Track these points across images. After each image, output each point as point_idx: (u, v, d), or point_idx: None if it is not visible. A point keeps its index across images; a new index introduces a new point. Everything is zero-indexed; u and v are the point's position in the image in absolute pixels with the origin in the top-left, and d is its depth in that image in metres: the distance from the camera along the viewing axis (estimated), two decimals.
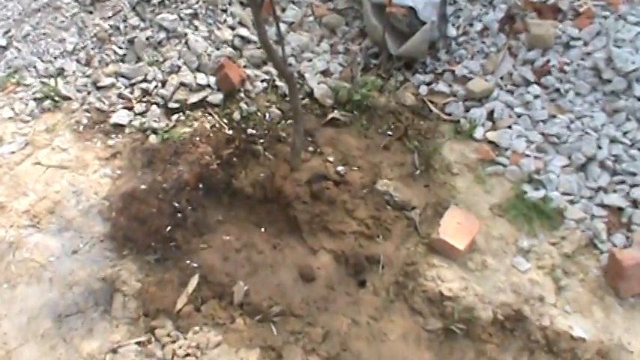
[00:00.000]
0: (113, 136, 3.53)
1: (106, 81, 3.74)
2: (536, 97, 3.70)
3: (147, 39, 3.81)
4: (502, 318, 2.87)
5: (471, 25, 4.09)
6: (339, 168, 3.41)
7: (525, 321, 2.86)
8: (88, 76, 3.79)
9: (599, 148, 3.41)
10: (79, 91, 3.74)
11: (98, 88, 3.74)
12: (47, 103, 3.67)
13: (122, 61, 3.82)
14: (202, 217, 3.23)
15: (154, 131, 3.54)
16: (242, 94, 3.76)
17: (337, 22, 4.16)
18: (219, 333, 2.79)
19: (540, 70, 3.77)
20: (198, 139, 3.40)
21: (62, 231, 3.12)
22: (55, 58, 3.85)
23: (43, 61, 3.85)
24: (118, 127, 3.57)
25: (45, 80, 3.74)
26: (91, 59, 3.82)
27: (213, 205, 3.28)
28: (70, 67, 3.81)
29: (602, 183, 3.34)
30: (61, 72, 3.82)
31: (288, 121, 3.66)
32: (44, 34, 3.89)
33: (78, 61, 3.84)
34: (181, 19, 3.84)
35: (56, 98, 3.69)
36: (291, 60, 3.94)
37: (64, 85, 3.75)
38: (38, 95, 3.70)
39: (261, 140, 3.47)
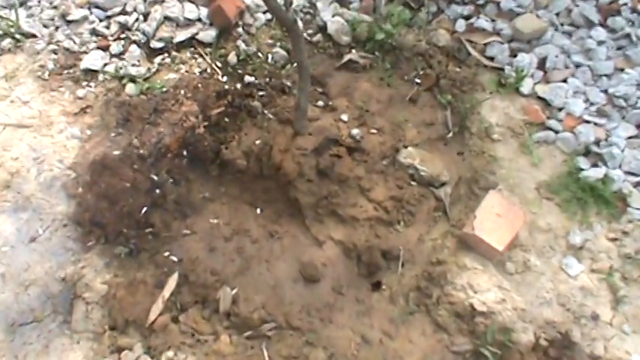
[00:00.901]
0: (84, 84, 2.98)
1: (76, 13, 3.15)
2: (601, 43, 3.05)
3: None
4: (546, 343, 2.39)
5: None
6: (354, 131, 2.84)
7: (574, 348, 2.38)
8: (55, 7, 3.19)
9: None
10: (45, 26, 3.15)
11: (68, 22, 3.15)
12: (6, 42, 3.09)
13: None
14: (186, 193, 2.73)
15: (132, 79, 2.97)
16: (240, 30, 3.16)
17: None
18: (199, 356, 2.35)
19: (608, 7, 3.11)
20: (183, 91, 2.84)
21: (18, 211, 2.64)
22: None
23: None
24: (90, 74, 3.01)
25: (3, 14, 3.16)
26: None
27: (198, 179, 2.78)
28: None
29: None
30: (23, 2, 3.22)
31: (295, 64, 3.08)
32: None
33: None
34: None
35: (17, 36, 3.11)
36: None
37: (26, 18, 3.17)
38: None
39: (261, 93, 2.91)
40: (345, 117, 2.93)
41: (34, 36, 3.12)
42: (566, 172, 2.81)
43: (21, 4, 3.20)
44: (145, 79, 2.99)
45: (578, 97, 2.97)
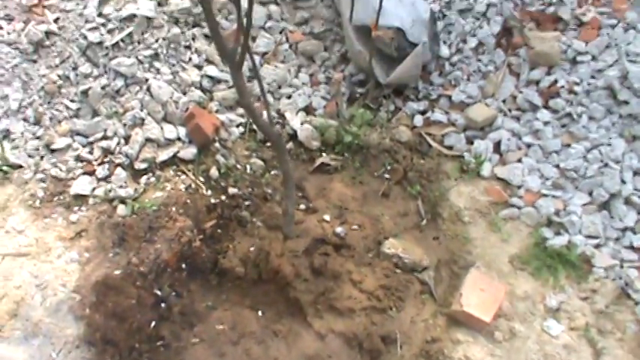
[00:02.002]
0: (75, 209, 3.24)
1: (60, 142, 3.43)
2: (546, 123, 3.51)
3: (102, 88, 3.49)
4: None
5: (465, 41, 3.87)
6: (338, 229, 3.18)
7: None
8: (38, 138, 3.47)
9: (623, 182, 3.24)
10: (30, 156, 3.42)
11: (52, 151, 3.43)
12: None
13: (76, 116, 3.50)
14: (190, 304, 2.98)
15: (122, 201, 3.25)
16: (217, 145, 3.49)
17: (315, 49, 3.90)
18: None
19: (547, 91, 3.58)
20: (174, 208, 3.13)
21: (29, 338, 2.84)
22: None
23: None
24: (80, 198, 3.27)
25: None
26: (40, 117, 3.50)
27: (200, 289, 3.04)
28: (17, 129, 3.48)
29: (629, 222, 3.19)
30: (6, 135, 3.48)
31: (272, 172, 3.43)
32: None
33: (25, 120, 3.51)
34: (140, 62, 3.53)
35: (4, 168, 3.36)
36: (268, 98, 3.67)
37: (11, 150, 3.43)
38: None
39: (246, 202, 3.23)
40: (327, 217, 3.27)
41: (20, 167, 3.39)
42: (533, 243, 3.19)
43: (4, 137, 3.46)
44: (135, 200, 3.27)
45: (534, 174, 3.39)
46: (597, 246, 3.16)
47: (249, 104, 2.67)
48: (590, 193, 3.28)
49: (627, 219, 3.18)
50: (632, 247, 3.13)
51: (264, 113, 2.82)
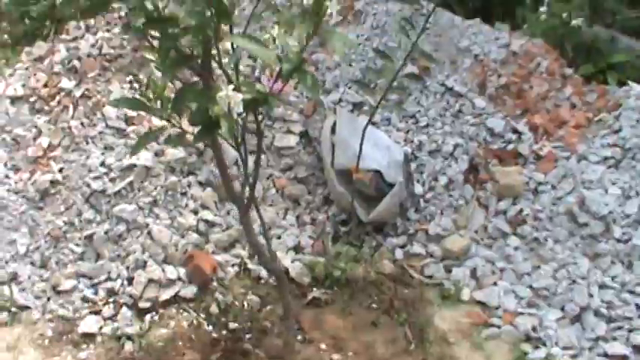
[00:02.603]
0: (84, 347, 3.48)
1: (66, 284, 3.72)
2: (516, 248, 3.91)
3: (105, 233, 3.84)
4: None
5: (436, 179, 4.34)
6: (335, 356, 3.45)
7: None
8: (45, 280, 3.76)
9: (591, 296, 3.60)
10: (37, 297, 3.69)
11: (59, 293, 3.71)
12: (3, 315, 3.60)
13: (81, 259, 3.82)
14: None
15: (129, 337, 3.50)
16: (215, 283, 3.80)
17: (300, 192, 4.33)
18: None
19: (515, 219, 4.01)
20: (180, 343, 3.40)
21: None
22: (7, 262, 3.81)
23: None
24: (88, 337, 3.52)
25: (1, 290, 3.68)
26: (46, 261, 3.81)
27: None
28: (25, 272, 3.78)
29: (600, 332, 3.51)
30: (14, 278, 3.77)
31: (268, 307, 3.72)
32: None
33: (32, 263, 3.82)
34: (140, 208, 3.90)
35: (13, 309, 3.62)
36: (260, 239, 4.03)
37: (19, 293, 3.70)
38: None
39: (248, 335, 3.50)
40: (323, 346, 3.54)
41: (28, 308, 3.64)
42: (515, 358, 3.47)
43: (12, 280, 3.74)
44: (141, 337, 3.52)
45: (509, 295, 3.75)
46: (574, 356, 3.45)
47: (256, 242, 3.06)
48: (562, 309, 3.62)
49: (598, 329, 3.51)
50: (605, 355, 3.43)
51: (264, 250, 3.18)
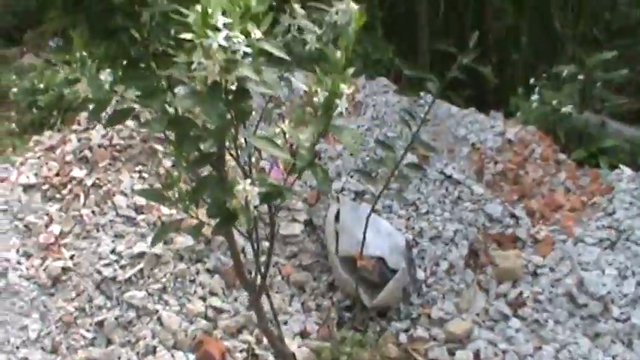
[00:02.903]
0: None
1: None
2: (518, 330, 4.01)
3: (116, 319, 3.94)
4: None
5: (437, 264, 4.47)
6: None
7: None
8: None
9: None
10: None
11: None
12: None
13: (92, 345, 3.90)
14: None
15: None
16: None
17: (305, 279, 4.46)
18: None
19: (515, 302, 4.13)
20: None
21: None
22: (17, 348, 3.89)
23: (3, 352, 3.87)
24: None
25: None
26: (57, 346, 3.89)
27: None
28: (35, 357, 3.85)
29: None
30: None
31: None
32: (2, 322, 3.95)
33: (43, 349, 3.89)
34: (150, 294, 4.02)
35: None
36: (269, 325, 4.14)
37: None
38: None
39: None
40: None
41: None
42: None
43: None
44: None
45: None
46: None
47: (267, 327, 3.18)
48: None
49: None
50: None
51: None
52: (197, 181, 2.56)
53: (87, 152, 4.57)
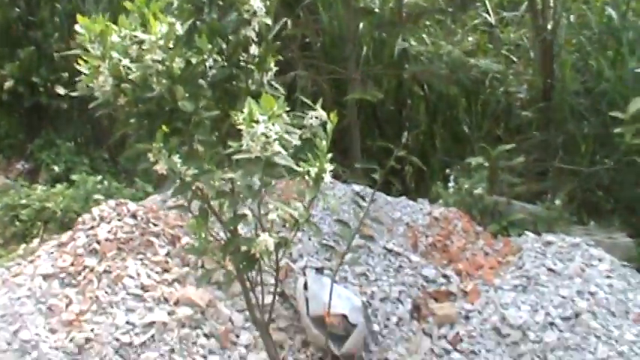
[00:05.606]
0: None
1: None
2: None
3: None
4: None
5: (388, 319, 5.62)
6: None
7: None
8: None
9: None
10: None
11: None
12: None
13: None
14: None
15: None
16: None
17: (283, 338, 5.50)
18: None
19: (454, 340, 5.30)
20: None
21: None
22: None
23: None
24: None
25: None
26: None
27: None
28: None
29: None
30: None
31: None
32: None
33: None
34: (162, 355, 4.99)
35: None
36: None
37: None
38: None
39: None
40: None
41: None
42: None
43: None
44: None
45: None
46: None
47: (274, 354, 4.21)
48: None
49: None
50: None
51: None
52: (229, 236, 3.69)
53: (95, 245, 5.58)
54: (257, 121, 3.15)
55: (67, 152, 9.17)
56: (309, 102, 3.73)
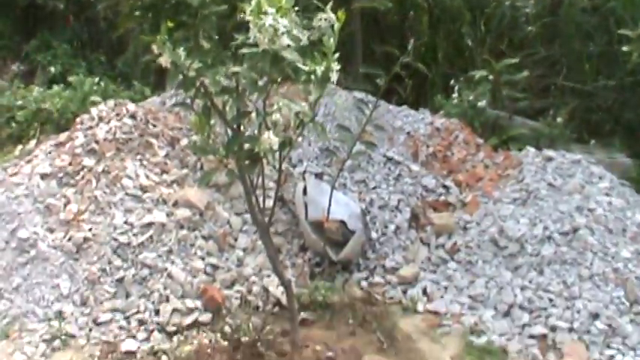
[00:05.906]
0: None
1: (104, 317, 4.70)
2: (455, 270, 5.20)
3: (133, 276, 4.90)
4: None
5: (386, 227, 5.64)
6: (329, 354, 4.57)
7: None
8: (86, 315, 4.73)
9: (515, 296, 4.90)
10: (81, 328, 4.64)
11: (99, 324, 4.68)
12: (56, 342, 4.55)
13: (114, 297, 4.83)
14: None
15: (164, 352, 4.52)
16: (224, 312, 4.89)
17: (281, 243, 5.52)
18: None
19: (451, 250, 5.32)
20: (209, 350, 4.44)
21: None
22: (52, 302, 4.77)
23: (40, 306, 4.75)
24: (130, 354, 4.52)
25: (50, 323, 4.63)
26: (86, 299, 4.80)
27: None
28: (68, 309, 4.74)
29: (525, 320, 4.77)
30: (59, 315, 4.73)
31: (268, 327, 4.81)
32: (37, 283, 4.84)
33: (74, 302, 4.79)
34: (160, 256, 5.00)
35: (63, 337, 4.57)
36: (254, 278, 5.18)
37: (65, 325, 4.66)
38: (46, 337, 4.57)
39: (259, 343, 4.57)
40: (318, 348, 4.65)
41: (74, 336, 4.60)
42: (465, 345, 4.69)
43: (59, 315, 4.70)
44: (174, 350, 4.55)
45: (454, 304, 5.00)
46: (509, 339, 4.69)
47: (274, 255, 4.22)
48: (495, 307, 4.89)
49: (524, 318, 4.77)
50: (531, 336, 4.68)
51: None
52: (233, 134, 3.62)
53: (94, 145, 5.52)
54: (265, 13, 3.06)
55: (64, 54, 9.02)
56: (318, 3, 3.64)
